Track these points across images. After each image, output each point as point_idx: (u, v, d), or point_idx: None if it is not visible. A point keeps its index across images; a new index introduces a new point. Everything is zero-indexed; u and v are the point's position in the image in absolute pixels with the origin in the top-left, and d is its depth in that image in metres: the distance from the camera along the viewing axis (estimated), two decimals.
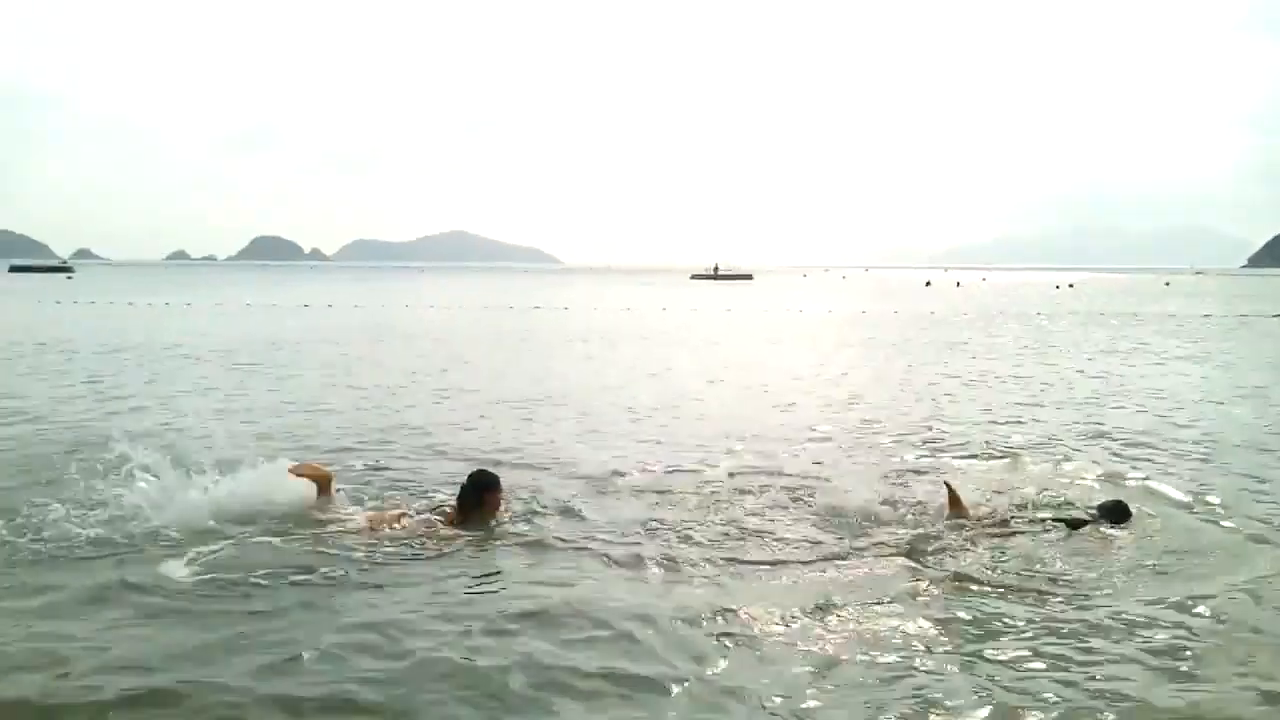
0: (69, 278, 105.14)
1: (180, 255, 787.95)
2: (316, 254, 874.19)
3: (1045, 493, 9.33)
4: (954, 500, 8.57)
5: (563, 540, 7.72)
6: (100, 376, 18.62)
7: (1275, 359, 25.49)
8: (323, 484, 8.18)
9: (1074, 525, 8.07)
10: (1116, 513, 8.28)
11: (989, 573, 7.08)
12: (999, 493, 9.35)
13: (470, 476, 8.09)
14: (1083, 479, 10.25)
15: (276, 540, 7.39)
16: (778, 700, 5.13)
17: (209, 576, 6.69)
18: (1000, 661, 5.61)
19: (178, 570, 6.78)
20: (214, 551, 7.15)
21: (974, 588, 6.80)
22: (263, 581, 6.60)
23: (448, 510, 8.04)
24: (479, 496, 7.93)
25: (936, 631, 6.03)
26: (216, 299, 56.15)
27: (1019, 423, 14.29)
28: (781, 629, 6.05)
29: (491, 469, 8.60)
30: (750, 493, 9.53)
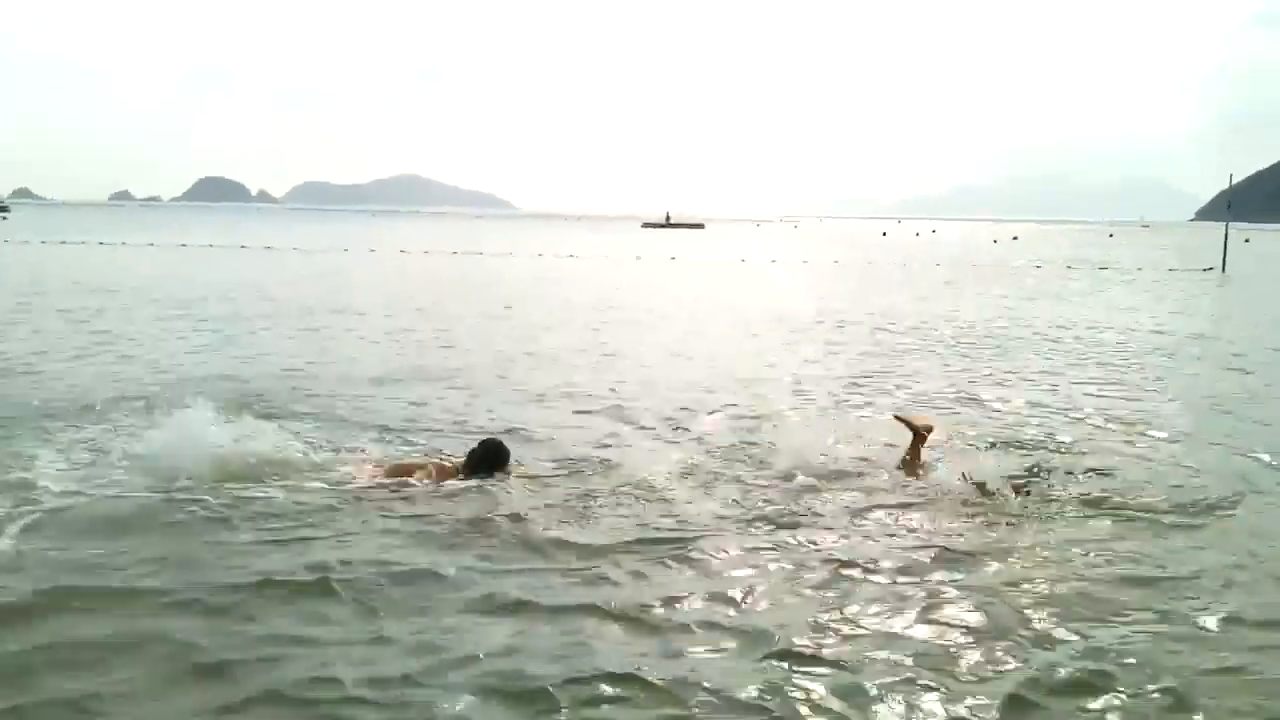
0: (3, 218, 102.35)
1: (124, 195, 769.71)
2: (264, 195, 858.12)
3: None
4: (913, 430, 8.67)
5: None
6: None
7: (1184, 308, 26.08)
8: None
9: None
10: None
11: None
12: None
13: (484, 444, 8.12)
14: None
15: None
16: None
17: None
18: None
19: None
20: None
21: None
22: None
23: (448, 464, 8.10)
24: (489, 467, 7.95)
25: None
26: (150, 239, 54.99)
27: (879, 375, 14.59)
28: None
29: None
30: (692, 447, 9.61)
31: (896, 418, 9.11)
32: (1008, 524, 7.20)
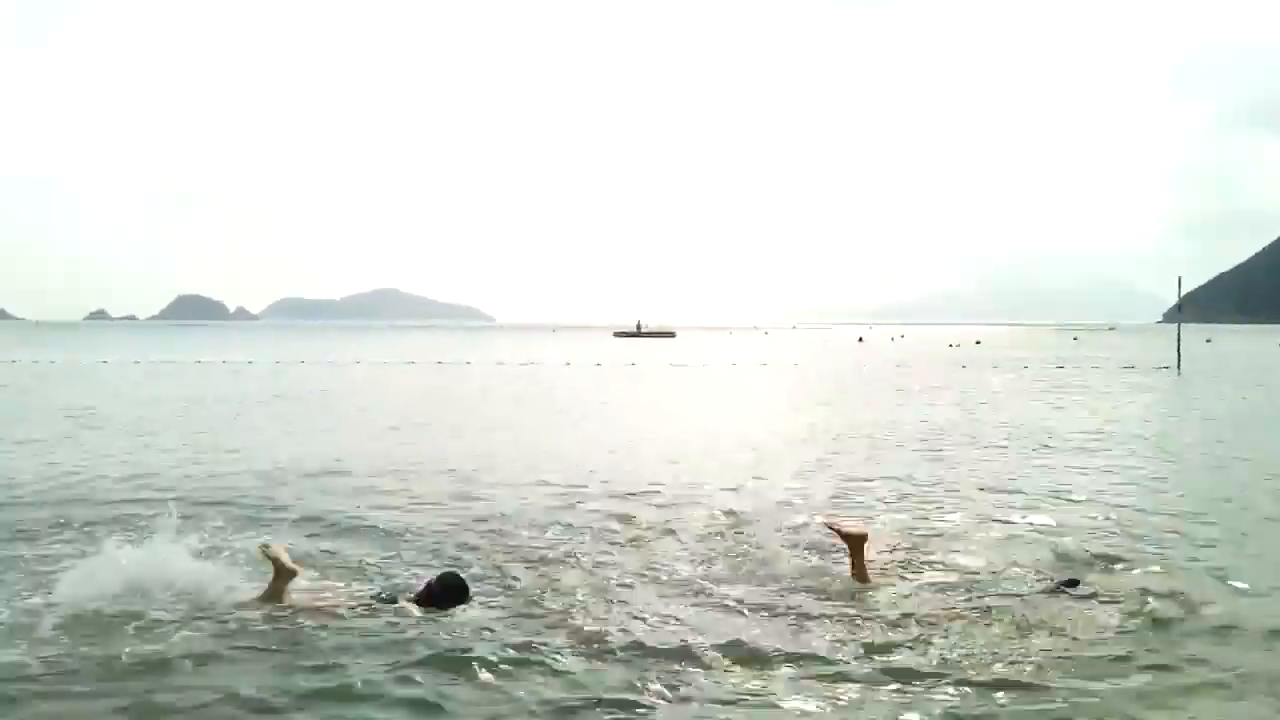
0: None
1: (100, 314, 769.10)
2: (242, 312, 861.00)
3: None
4: (845, 537, 8.19)
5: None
6: None
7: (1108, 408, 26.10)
8: (284, 576, 7.46)
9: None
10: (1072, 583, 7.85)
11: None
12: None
13: (441, 579, 7.44)
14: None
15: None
16: None
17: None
18: None
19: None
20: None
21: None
22: None
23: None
24: (443, 603, 7.23)
25: None
26: (104, 357, 54.66)
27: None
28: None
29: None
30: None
31: (827, 525, 8.59)
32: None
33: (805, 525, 10.18)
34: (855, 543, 8.11)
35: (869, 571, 8.07)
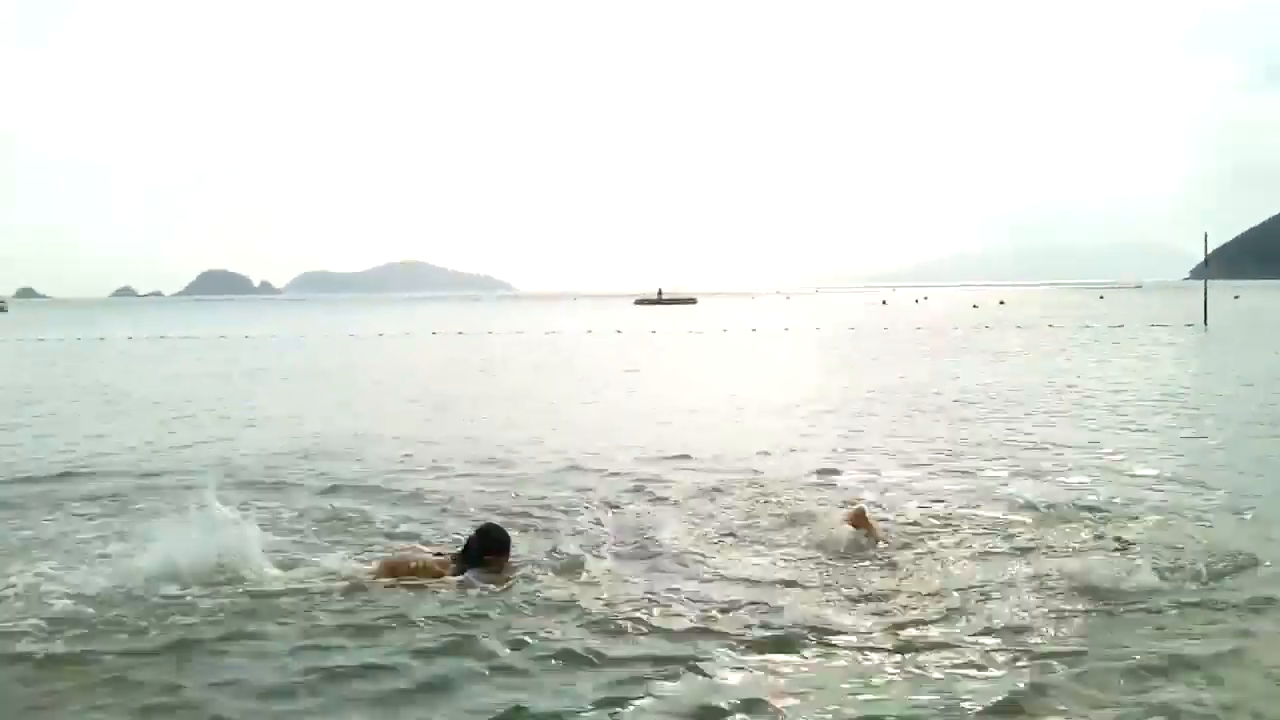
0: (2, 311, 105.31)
1: (126, 291, 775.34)
2: (266, 286, 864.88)
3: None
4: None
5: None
6: None
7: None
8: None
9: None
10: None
11: None
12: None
13: (480, 530, 7.32)
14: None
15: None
16: None
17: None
18: None
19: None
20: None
21: None
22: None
23: (442, 556, 7.27)
24: (482, 556, 7.11)
25: None
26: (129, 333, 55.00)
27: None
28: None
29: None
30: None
31: (853, 525, 7.96)
32: None
33: (841, 489, 10.04)
34: (857, 521, 7.85)
35: (905, 528, 8.13)
